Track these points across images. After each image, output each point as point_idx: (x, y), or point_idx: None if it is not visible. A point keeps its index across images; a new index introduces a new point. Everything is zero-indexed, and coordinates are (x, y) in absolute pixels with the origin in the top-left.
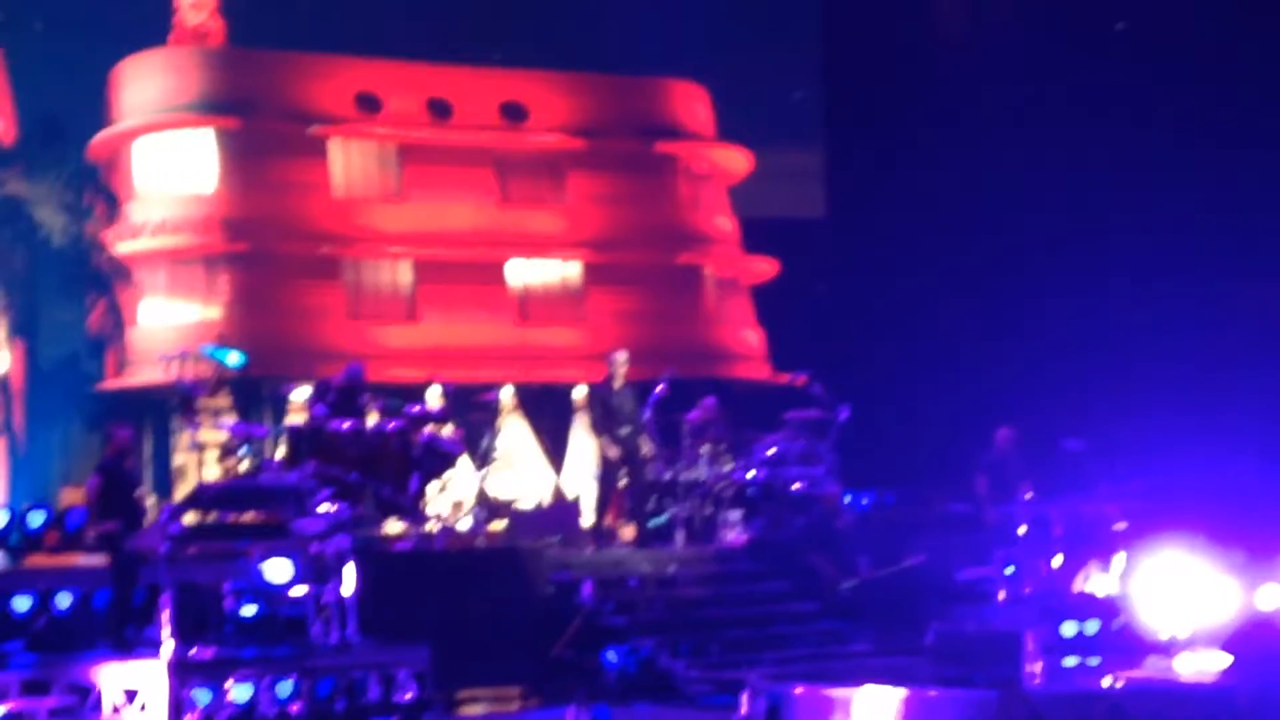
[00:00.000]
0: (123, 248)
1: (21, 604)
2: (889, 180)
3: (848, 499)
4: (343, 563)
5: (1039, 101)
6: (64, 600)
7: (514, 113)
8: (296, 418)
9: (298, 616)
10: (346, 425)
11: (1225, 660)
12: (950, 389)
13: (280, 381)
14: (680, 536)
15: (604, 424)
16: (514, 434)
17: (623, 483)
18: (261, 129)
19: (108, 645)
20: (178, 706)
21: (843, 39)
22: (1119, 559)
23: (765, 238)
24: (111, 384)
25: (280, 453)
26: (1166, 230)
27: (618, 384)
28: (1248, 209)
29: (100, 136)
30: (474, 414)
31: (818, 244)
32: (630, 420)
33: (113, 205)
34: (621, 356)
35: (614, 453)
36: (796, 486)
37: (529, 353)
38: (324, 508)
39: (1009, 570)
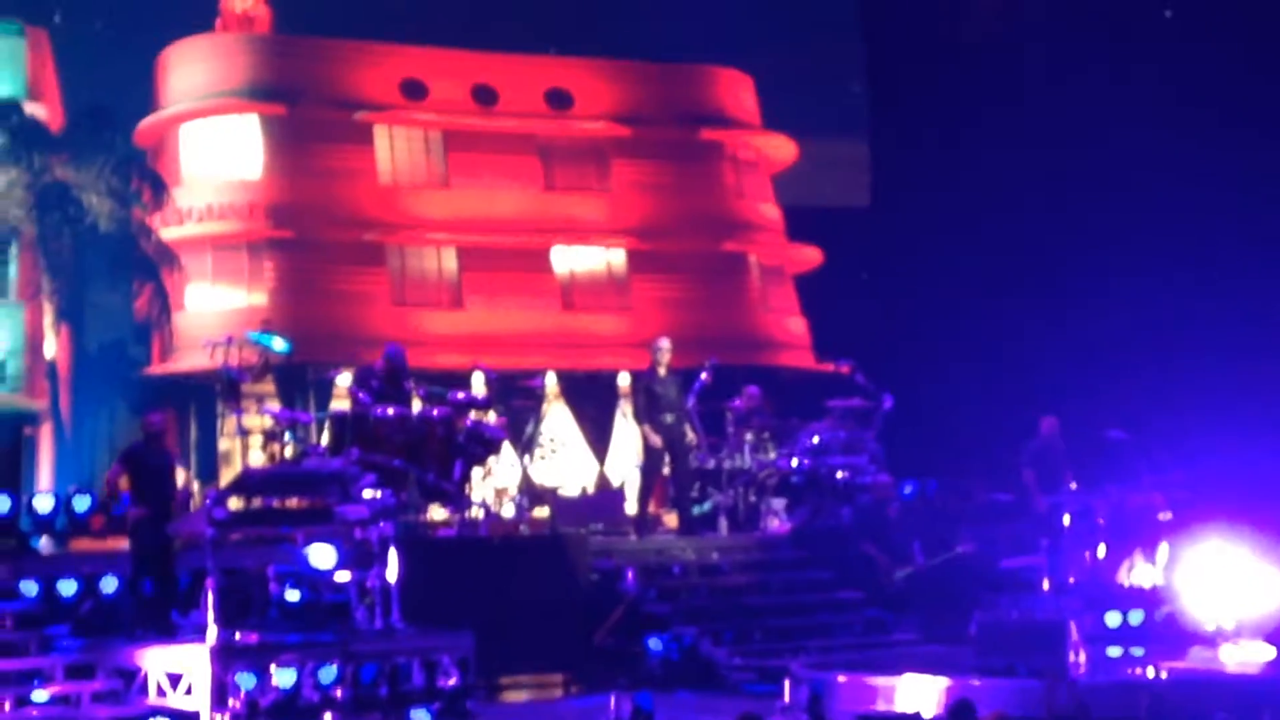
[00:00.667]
0: (169, 233)
1: (67, 588)
2: (934, 169)
3: (908, 489)
4: (386, 549)
5: (1087, 89)
6: (109, 585)
7: (559, 100)
8: (341, 404)
9: (341, 602)
10: (391, 411)
11: (1270, 651)
12: (993, 378)
13: (324, 367)
14: (724, 524)
15: (648, 411)
16: (558, 421)
17: (666, 470)
18: (307, 115)
19: (151, 629)
20: (221, 691)
21: (888, 26)
22: (1163, 549)
23: (810, 226)
24: (157, 369)
25: (324, 438)
26: (1213, 220)
27: (662, 371)
28: None
29: (147, 122)
30: (518, 401)
31: (862, 233)
32: (674, 408)
33: (159, 191)
34: (665, 344)
35: (657, 440)
36: (840, 475)
37: (573, 340)
38: (368, 493)
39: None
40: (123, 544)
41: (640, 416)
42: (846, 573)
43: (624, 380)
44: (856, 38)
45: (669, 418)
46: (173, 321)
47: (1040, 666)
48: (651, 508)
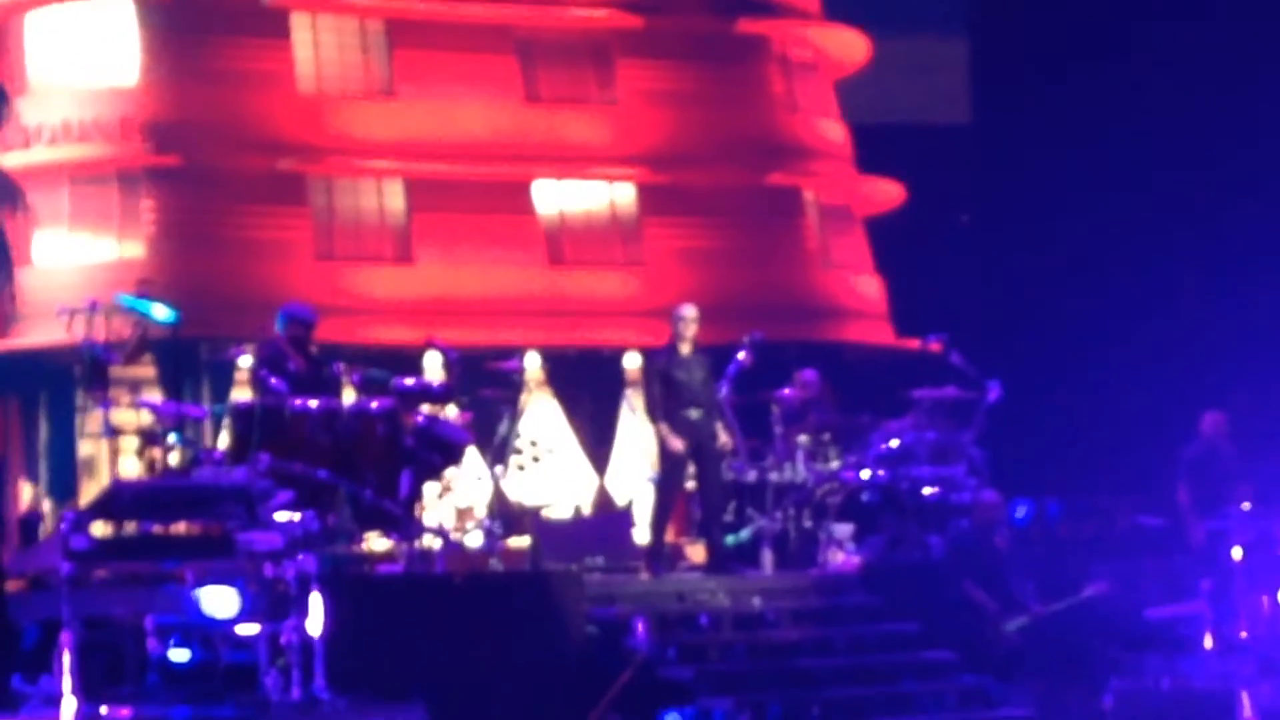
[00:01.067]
0: (9, 160)
1: None
2: (1061, 75)
3: (1020, 511)
4: (307, 591)
5: None
6: None
7: None
8: (245, 393)
9: (246, 664)
10: (314, 404)
11: None
12: (1138, 361)
13: (223, 344)
14: (768, 559)
15: (665, 405)
16: (542, 418)
17: (690, 485)
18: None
19: None
20: None
21: None
22: None
23: (888, 152)
24: None
25: (223, 440)
26: None
27: (685, 350)
28: None
29: None
30: (488, 390)
31: (959, 161)
32: (701, 400)
33: None
34: (690, 312)
35: (679, 444)
36: (928, 492)
37: (563, 306)
38: (282, 516)
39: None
40: None
41: (655, 412)
42: (936, 625)
43: (632, 362)
44: None
45: (694, 413)
46: (16, 281)
47: None
48: (670, 535)
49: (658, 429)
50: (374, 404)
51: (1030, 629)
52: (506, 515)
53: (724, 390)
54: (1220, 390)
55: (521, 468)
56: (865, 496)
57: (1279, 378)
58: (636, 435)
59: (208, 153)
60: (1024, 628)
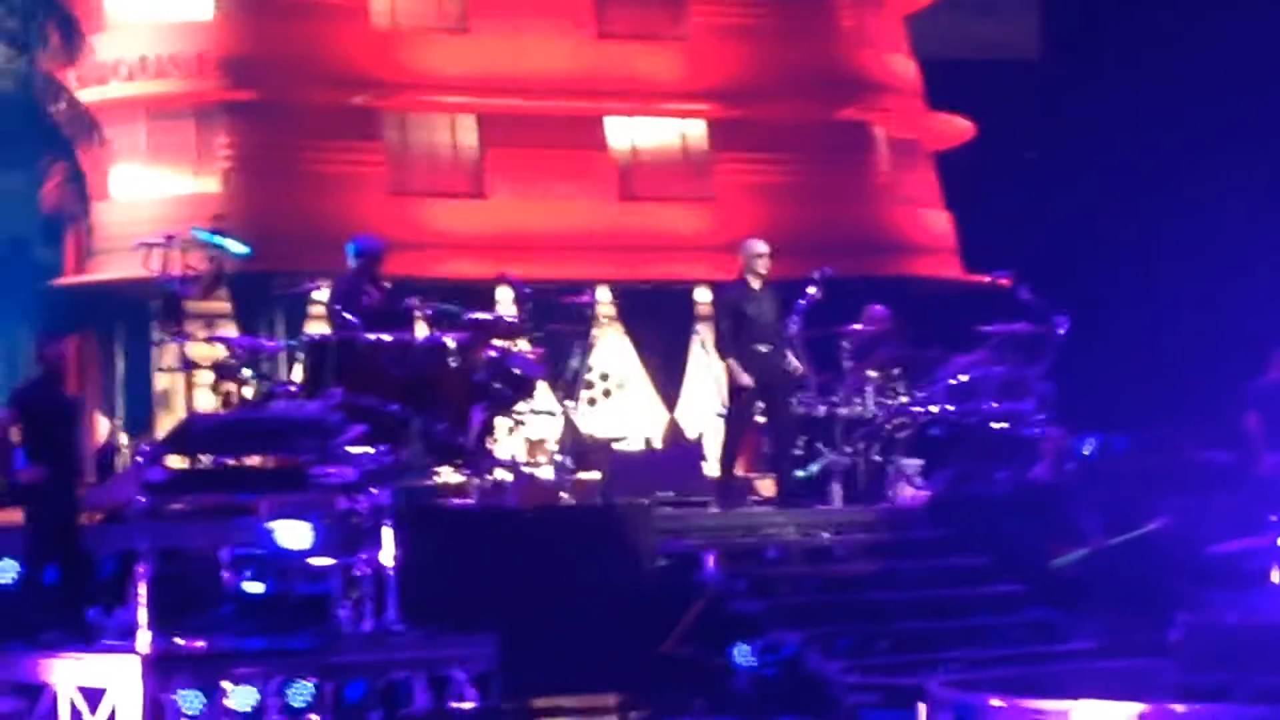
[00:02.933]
0: (87, 95)
1: None
2: (1134, 7)
3: (1087, 447)
4: (380, 524)
5: None
6: (4, 573)
7: None
8: (319, 327)
9: (320, 596)
10: (388, 338)
11: None
12: (1206, 296)
13: (297, 279)
14: (837, 493)
15: (735, 339)
16: (613, 352)
17: (760, 419)
18: None
19: (62, 632)
20: (158, 714)
21: None
22: None
23: (957, 87)
24: (72, 278)
25: (297, 374)
26: None
27: (756, 285)
28: None
29: None
30: (559, 324)
31: (1029, 96)
32: (772, 335)
33: (73, 37)
34: (761, 247)
35: (748, 379)
36: (997, 426)
37: (635, 241)
38: (356, 449)
39: None
40: (18, 517)
41: (726, 346)
42: (1005, 559)
43: (703, 296)
44: None
45: (764, 348)
46: (92, 215)
47: (1267, 687)
48: (740, 469)
49: (727, 364)
50: (446, 338)
51: (1093, 562)
52: (578, 449)
53: (794, 325)
54: None
55: (592, 401)
56: (934, 431)
57: None
58: (706, 370)
59: (282, 88)
60: (1084, 559)
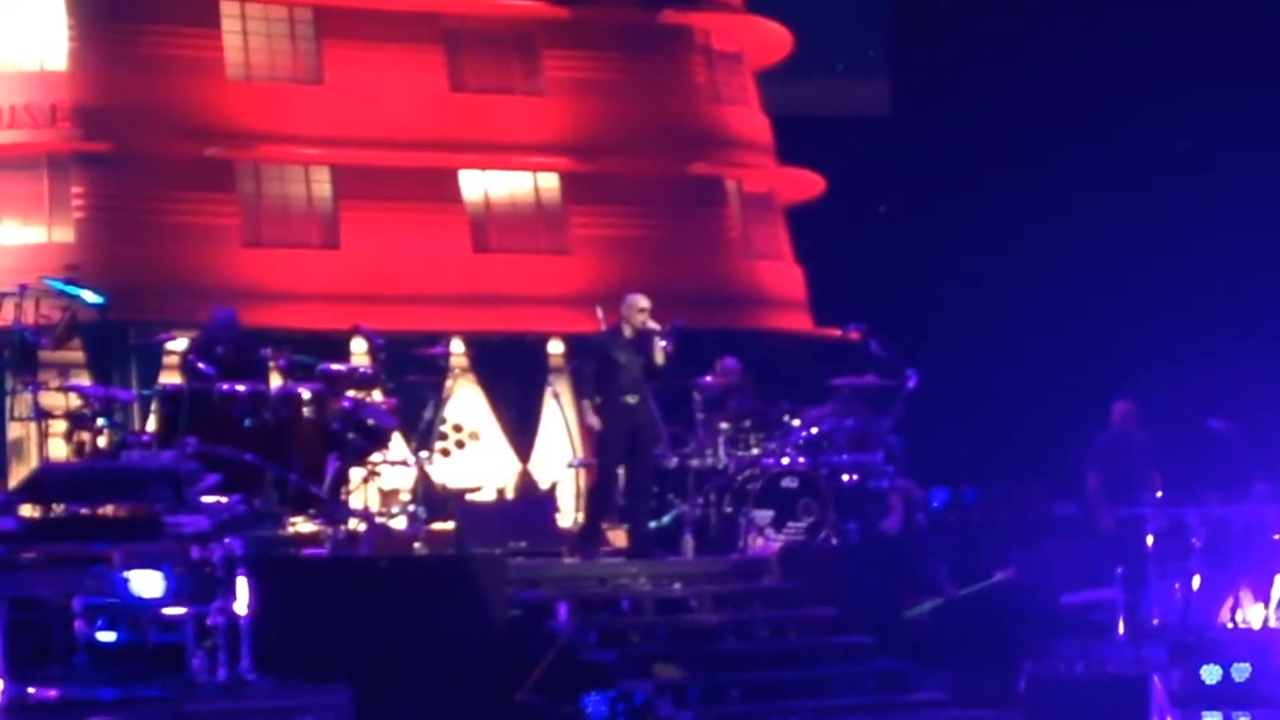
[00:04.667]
0: None
1: None
2: (981, 66)
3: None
4: (234, 573)
5: None
6: None
7: None
8: (173, 377)
9: (173, 645)
10: (242, 388)
11: None
12: (1051, 349)
13: (152, 329)
14: (689, 544)
15: (599, 385)
16: (467, 403)
17: (620, 470)
18: None
19: None
20: None
21: None
22: (1279, 582)
23: (808, 143)
24: None
25: (151, 424)
26: None
27: (628, 334)
28: None
29: None
30: (413, 375)
31: (879, 152)
32: (638, 388)
33: None
34: (643, 301)
35: (595, 420)
36: (847, 478)
37: (488, 293)
38: (209, 499)
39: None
40: None
41: (584, 387)
42: (855, 609)
43: (556, 348)
44: None
45: (632, 399)
46: None
47: None
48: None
49: (580, 404)
50: (301, 389)
51: (942, 612)
52: (431, 499)
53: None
54: (1129, 382)
55: (446, 452)
56: (785, 483)
57: (1182, 372)
58: (559, 421)
59: (137, 139)
60: (935, 610)
